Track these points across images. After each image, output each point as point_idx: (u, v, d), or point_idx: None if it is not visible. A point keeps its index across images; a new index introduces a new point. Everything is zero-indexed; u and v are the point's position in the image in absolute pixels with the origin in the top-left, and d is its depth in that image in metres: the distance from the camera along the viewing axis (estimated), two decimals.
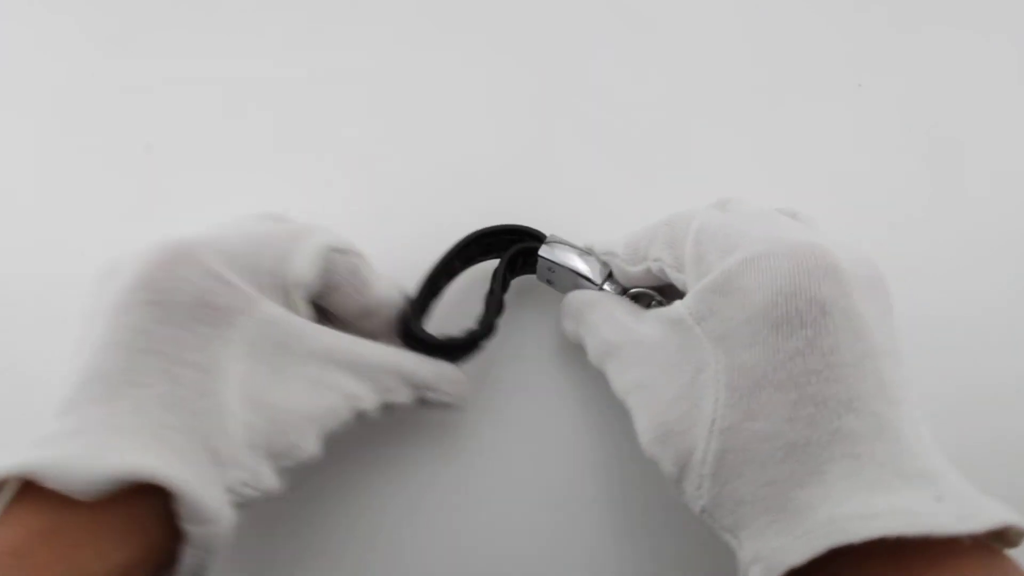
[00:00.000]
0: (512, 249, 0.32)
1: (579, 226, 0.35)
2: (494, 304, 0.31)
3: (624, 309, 0.29)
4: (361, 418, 0.28)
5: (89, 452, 0.21)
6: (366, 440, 0.32)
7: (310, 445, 0.26)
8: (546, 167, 0.36)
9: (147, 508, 0.22)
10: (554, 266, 0.31)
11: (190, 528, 0.22)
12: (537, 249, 0.31)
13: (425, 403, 0.29)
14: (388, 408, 0.28)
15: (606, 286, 0.31)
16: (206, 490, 0.22)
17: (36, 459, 0.20)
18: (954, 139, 0.37)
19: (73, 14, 0.39)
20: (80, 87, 0.38)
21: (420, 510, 0.32)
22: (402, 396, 0.29)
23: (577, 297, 0.31)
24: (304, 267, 0.27)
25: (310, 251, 0.27)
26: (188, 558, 0.22)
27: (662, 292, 0.31)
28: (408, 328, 0.30)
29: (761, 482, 0.22)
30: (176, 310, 0.23)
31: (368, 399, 0.27)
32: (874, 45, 0.38)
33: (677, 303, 0.26)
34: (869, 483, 0.21)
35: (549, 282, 0.32)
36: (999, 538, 0.20)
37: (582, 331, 0.30)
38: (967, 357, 0.34)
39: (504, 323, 0.32)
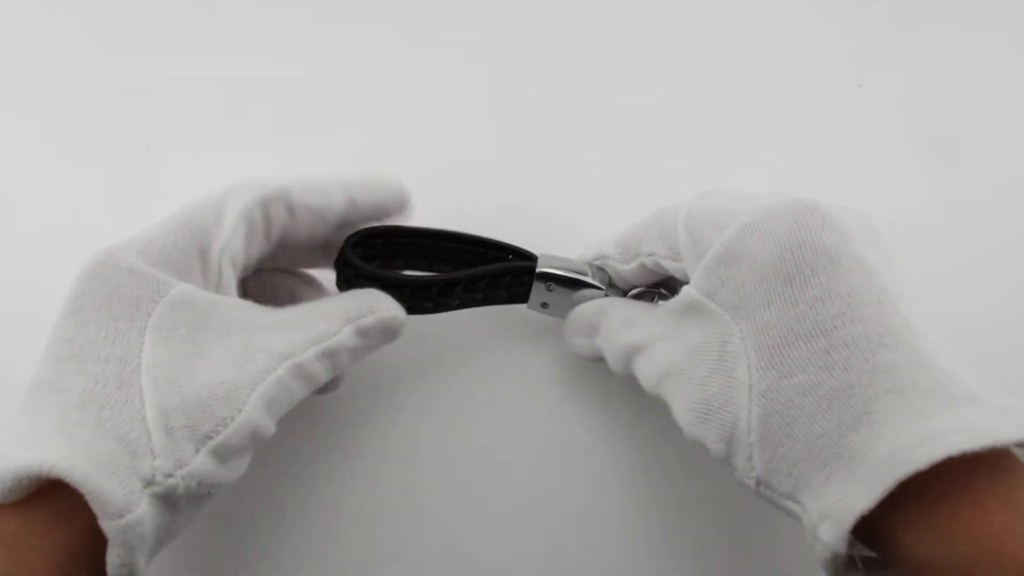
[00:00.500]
0: (503, 265, 0.30)
1: (578, 227, 0.35)
2: (452, 279, 0.29)
3: (637, 309, 0.29)
4: (311, 381, 0.26)
5: None
6: (364, 454, 0.32)
7: (252, 419, 0.24)
8: (546, 168, 0.36)
9: (68, 505, 0.21)
10: (554, 283, 0.30)
11: (103, 522, 0.20)
12: (528, 270, 0.30)
13: (365, 334, 0.27)
14: (332, 357, 0.26)
15: (609, 293, 0.31)
16: (111, 481, 0.21)
17: None
18: (954, 139, 0.37)
19: (73, 14, 0.39)
20: (80, 87, 0.38)
21: (426, 521, 0.32)
22: (339, 337, 0.27)
23: (585, 310, 0.30)
24: (227, 233, 0.26)
25: (232, 214, 0.27)
26: (111, 556, 0.21)
27: (663, 287, 0.31)
28: (342, 255, 0.29)
29: (812, 436, 0.22)
30: (92, 313, 0.24)
31: (304, 352, 0.26)
32: (874, 45, 0.38)
33: (684, 288, 0.26)
34: (920, 412, 0.20)
35: (544, 305, 0.31)
36: None
37: (599, 341, 0.29)
38: (968, 357, 0.34)
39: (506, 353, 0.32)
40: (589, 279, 0.30)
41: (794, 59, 0.38)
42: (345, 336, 0.27)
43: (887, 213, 0.36)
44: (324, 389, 0.29)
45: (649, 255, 0.28)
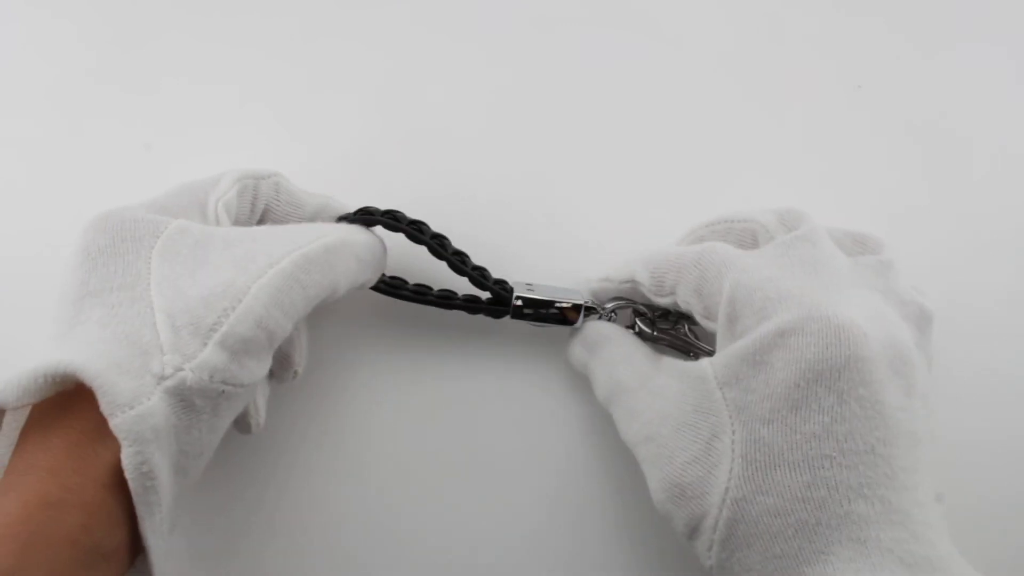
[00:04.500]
0: (477, 306, 0.31)
1: (576, 228, 0.35)
2: (427, 299, 0.31)
3: (643, 352, 0.29)
4: (321, 274, 0.26)
5: (19, 368, 0.22)
6: (361, 449, 0.32)
7: (255, 308, 0.24)
8: (545, 170, 0.36)
9: (106, 429, 0.21)
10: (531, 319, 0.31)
11: (113, 420, 0.21)
12: (502, 307, 0.31)
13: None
14: (334, 253, 0.27)
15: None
16: (122, 378, 0.22)
17: None
18: (954, 138, 0.37)
19: (73, 15, 0.39)
20: (80, 87, 0.38)
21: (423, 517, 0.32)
22: (341, 233, 0.28)
23: (596, 328, 0.30)
24: (223, 188, 0.28)
25: (228, 178, 0.29)
26: (126, 455, 0.21)
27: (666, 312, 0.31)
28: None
29: (769, 555, 0.23)
30: (100, 256, 0.25)
31: (308, 245, 0.26)
32: (874, 46, 0.38)
33: (704, 361, 0.26)
34: (872, 568, 0.21)
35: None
36: None
37: (594, 364, 0.30)
38: (972, 352, 0.34)
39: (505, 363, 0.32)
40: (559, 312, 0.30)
41: (794, 60, 0.38)
42: (347, 233, 0.28)
43: (887, 213, 0.36)
44: (283, 377, 0.30)
45: (685, 303, 0.28)
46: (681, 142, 0.37)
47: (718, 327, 0.26)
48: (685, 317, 0.31)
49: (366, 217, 0.31)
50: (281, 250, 0.26)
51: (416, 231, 0.30)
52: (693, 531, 0.25)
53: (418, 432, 0.33)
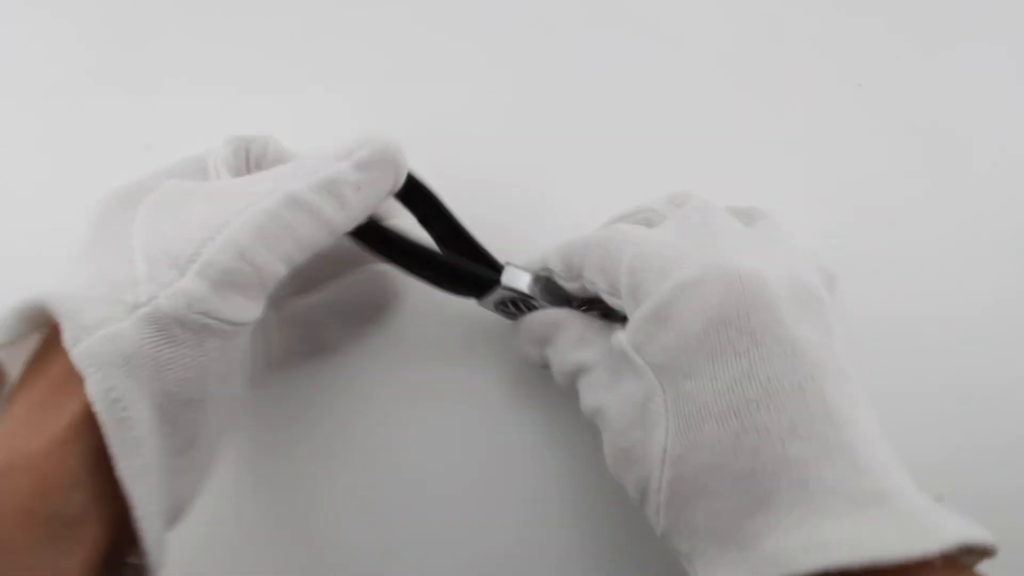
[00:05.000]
0: (470, 269, 0.29)
1: (576, 229, 0.35)
2: (418, 255, 0.29)
3: (592, 327, 0.28)
4: (315, 216, 0.24)
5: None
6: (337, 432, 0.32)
7: (237, 239, 0.23)
8: (544, 170, 0.36)
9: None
10: (511, 302, 0.30)
11: (75, 349, 0.20)
12: (490, 283, 0.29)
13: (364, 167, 0.26)
14: (332, 190, 0.25)
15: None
16: (91, 305, 0.21)
17: None
18: (954, 138, 0.37)
19: (73, 15, 0.39)
20: (80, 88, 0.38)
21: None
22: (335, 167, 0.25)
23: (540, 319, 0.29)
24: (218, 148, 0.28)
25: (221, 140, 0.28)
26: (90, 384, 0.20)
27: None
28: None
29: (711, 512, 0.22)
30: (100, 221, 0.25)
31: (298, 183, 0.24)
32: (874, 45, 0.38)
33: (618, 332, 0.25)
34: (818, 510, 0.20)
35: (496, 305, 0.30)
36: (971, 552, 0.20)
37: (549, 353, 0.29)
38: (971, 352, 0.34)
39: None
40: (540, 302, 0.30)
41: (794, 60, 0.38)
42: (343, 168, 0.25)
43: (886, 213, 0.36)
44: (258, 383, 0.29)
45: (590, 283, 0.27)
46: (681, 142, 0.37)
47: (623, 300, 0.26)
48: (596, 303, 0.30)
49: None
50: (265, 188, 0.24)
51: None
52: (642, 495, 0.24)
53: (416, 429, 0.33)
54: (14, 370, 0.23)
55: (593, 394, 0.27)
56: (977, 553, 0.20)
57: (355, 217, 0.26)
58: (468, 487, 0.32)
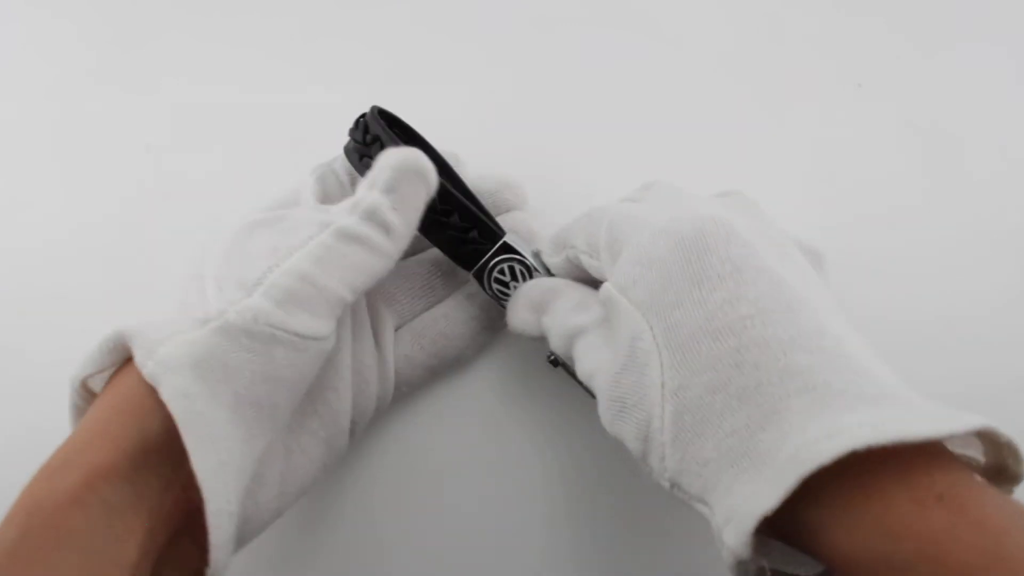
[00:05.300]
0: (481, 222, 0.30)
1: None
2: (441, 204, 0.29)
3: (590, 294, 0.29)
4: (367, 244, 0.26)
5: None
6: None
7: (299, 266, 0.24)
8: (545, 171, 0.36)
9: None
10: (510, 263, 0.30)
11: (147, 367, 0.22)
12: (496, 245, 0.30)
13: (392, 188, 0.27)
14: (374, 217, 0.26)
15: None
16: (160, 327, 0.23)
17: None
18: (954, 138, 0.37)
19: (73, 16, 0.39)
20: (80, 88, 0.38)
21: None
22: (369, 197, 0.26)
23: (539, 285, 0.30)
24: (305, 180, 0.31)
25: (307, 173, 0.31)
26: (166, 389, 0.21)
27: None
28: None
29: (721, 435, 0.21)
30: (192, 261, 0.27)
31: (348, 217, 0.26)
32: (873, 45, 0.38)
33: (604, 283, 0.26)
34: (831, 409, 0.19)
35: (501, 279, 0.30)
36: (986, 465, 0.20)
37: (547, 320, 0.29)
38: (969, 355, 0.34)
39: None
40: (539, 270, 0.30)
41: (794, 60, 0.38)
42: (374, 196, 0.26)
43: (886, 213, 0.36)
44: (377, 411, 0.30)
45: (571, 248, 0.28)
46: (681, 142, 0.37)
47: (601, 255, 0.27)
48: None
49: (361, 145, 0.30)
50: (322, 220, 0.26)
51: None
52: (645, 443, 0.23)
53: (424, 430, 0.33)
54: None
55: (590, 355, 0.27)
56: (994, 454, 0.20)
57: (404, 236, 0.27)
58: (467, 489, 0.33)
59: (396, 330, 0.31)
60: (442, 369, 0.32)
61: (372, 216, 0.26)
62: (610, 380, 0.25)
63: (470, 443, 0.33)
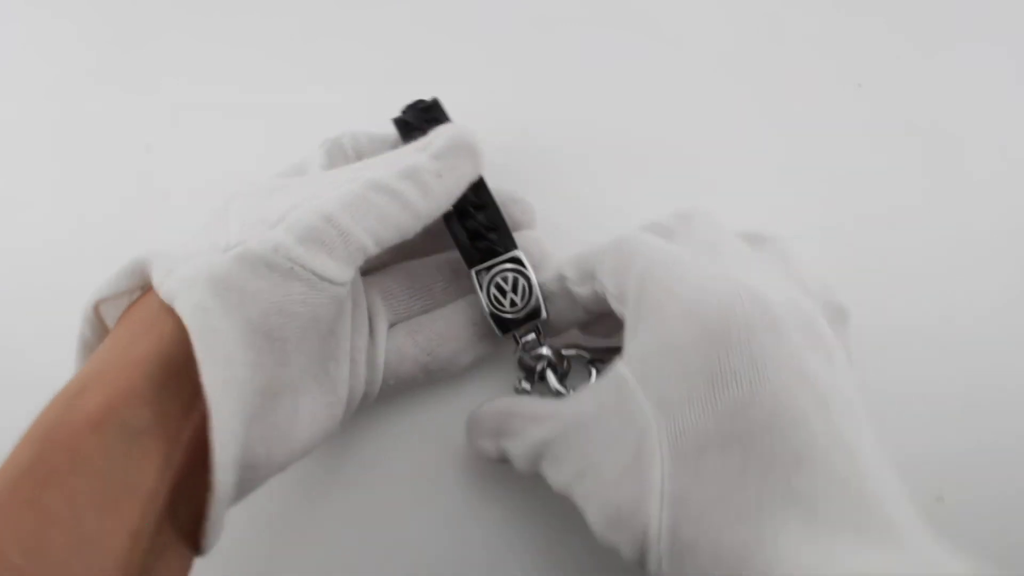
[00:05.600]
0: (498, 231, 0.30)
1: (575, 230, 0.35)
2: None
3: (546, 402, 0.28)
4: (400, 200, 0.25)
5: None
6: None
7: (324, 208, 0.24)
8: (544, 170, 0.36)
9: None
10: (512, 272, 0.30)
11: (165, 285, 0.22)
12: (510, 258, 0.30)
13: (441, 156, 0.27)
14: (414, 177, 0.26)
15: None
16: (181, 254, 0.23)
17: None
18: (954, 138, 0.37)
19: (73, 16, 0.39)
20: (80, 88, 0.38)
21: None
22: (415, 157, 0.27)
23: (488, 411, 0.29)
24: (314, 155, 0.31)
25: (316, 148, 0.31)
26: (182, 300, 0.22)
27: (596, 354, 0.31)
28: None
29: (718, 551, 0.21)
30: (208, 217, 0.28)
31: (382, 171, 0.26)
32: (873, 45, 0.38)
33: (617, 362, 0.25)
34: (827, 542, 0.19)
35: (483, 277, 0.30)
36: None
37: (505, 443, 0.28)
38: (971, 354, 0.34)
39: None
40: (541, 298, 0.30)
41: (794, 60, 0.38)
42: (422, 158, 0.27)
43: (887, 212, 0.36)
44: (363, 401, 0.29)
45: (601, 285, 0.27)
46: (681, 142, 0.37)
47: (627, 308, 0.26)
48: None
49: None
50: (349, 176, 0.26)
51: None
52: (640, 551, 0.23)
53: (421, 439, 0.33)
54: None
55: (565, 465, 0.25)
56: None
57: (440, 203, 0.27)
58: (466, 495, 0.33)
59: (392, 326, 0.31)
60: (435, 368, 0.31)
61: (412, 175, 0.26)
62: (607, 487, 0.24)
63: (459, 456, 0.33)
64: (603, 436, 0.24)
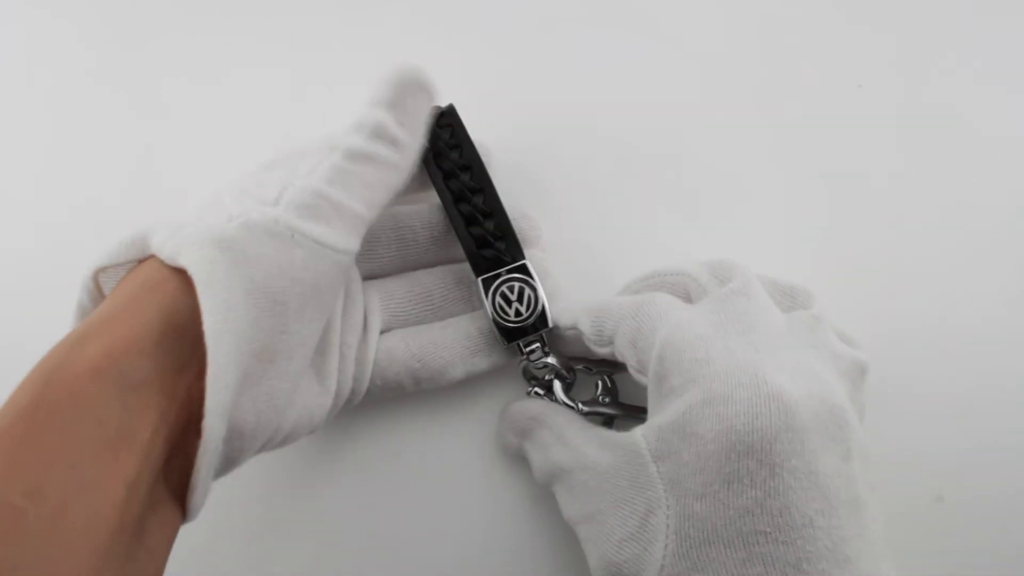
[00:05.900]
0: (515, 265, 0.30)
1: (574, 229, 0.35)
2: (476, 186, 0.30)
3: (576, 427, 0.28)
4: (375, 161, 0.27)
5: None
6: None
7: (312, 184, 0.25)
8: (544, 170, 0.36)
9: None
10: (517, 283, 0.30)
11: (168, 245, 0.23)
12: (517, 267, 0.30)
13: (394, 104, 0.28)
14: (380, 133, 0.27)
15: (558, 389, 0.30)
16: (172, 223, 0.24)
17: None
18: (955, 139, 0.37)
19: (73, 16, 0.39)
20: (80, 88, 0.38)
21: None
22: (371, 113, 0.27)
23: (522, 410, 0.30)
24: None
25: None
26: (189, 252, 0.22)
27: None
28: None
29: None
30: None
31: (354, 137, 0.27)
32: (874, 45, 0.38)
33: (637, 432, 0.25)
34: None
35: (488, 286, 0.30)
36: None
37: (528, 447, 0.29)
38: (971, 354, 0.34)
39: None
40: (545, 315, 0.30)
41: (794, 59, 0.38)
42: (377, 113, 0.27)
43: (887, 212, 0.36)
44: (350, 400, 0.29)
45: (620, 355, 0.27)
46: (680, 142, 0.37)
47: (648, 383, 0.26)
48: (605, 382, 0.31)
49: None
50: (330, 146, 0.27)
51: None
52: None
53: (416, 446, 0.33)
54: None
55: (576, 502, 0.26)
56: None
57: (411, 148, 0.28)
58: (466, 496, 0.33)
59: (389, 331, 0.31)
60: (424, 377, 0.30)
61: (378, 133, 0.27)
62: (611, 544, 0.24)
63: (462, 459, 0.33)
64: (614, 491, 0.25)
